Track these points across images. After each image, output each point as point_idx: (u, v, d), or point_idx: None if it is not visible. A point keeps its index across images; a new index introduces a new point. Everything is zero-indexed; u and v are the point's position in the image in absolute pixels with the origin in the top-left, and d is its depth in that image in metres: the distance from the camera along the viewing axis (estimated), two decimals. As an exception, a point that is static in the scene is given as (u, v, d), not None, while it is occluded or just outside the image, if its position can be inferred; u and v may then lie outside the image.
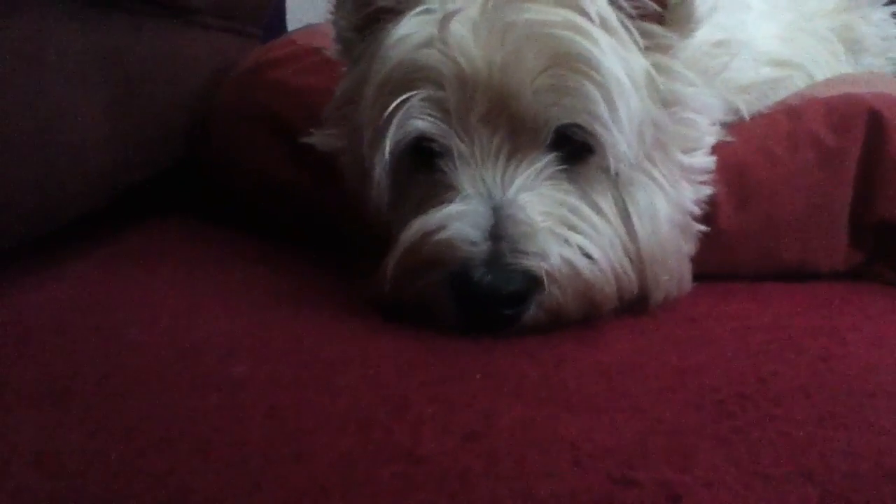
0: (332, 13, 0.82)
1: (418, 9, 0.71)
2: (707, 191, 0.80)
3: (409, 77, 0.69)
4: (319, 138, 0.84)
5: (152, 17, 1.01)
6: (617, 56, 0.69)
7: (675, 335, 0.69)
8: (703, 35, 0.78)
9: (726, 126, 0.85)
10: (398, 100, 0.68)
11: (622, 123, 0.68)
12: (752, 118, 0.87)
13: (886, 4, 1.23)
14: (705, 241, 0.80)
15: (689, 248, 0.79)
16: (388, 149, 0.70)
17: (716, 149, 0.81)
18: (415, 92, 0.68)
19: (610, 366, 0.62)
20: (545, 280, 0.66)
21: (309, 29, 1.19)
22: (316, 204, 0.96)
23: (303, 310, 0.75)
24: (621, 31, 0.71)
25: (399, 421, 0.53)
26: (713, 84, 0.81)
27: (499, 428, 0.52)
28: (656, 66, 0.73)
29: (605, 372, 0.61)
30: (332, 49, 0.86)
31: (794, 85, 0.95)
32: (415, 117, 0.69)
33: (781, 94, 0.92)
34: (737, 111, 0.87)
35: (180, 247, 0.98)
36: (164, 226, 1.05)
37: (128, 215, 1.02)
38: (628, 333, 0.69)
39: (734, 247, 0.83)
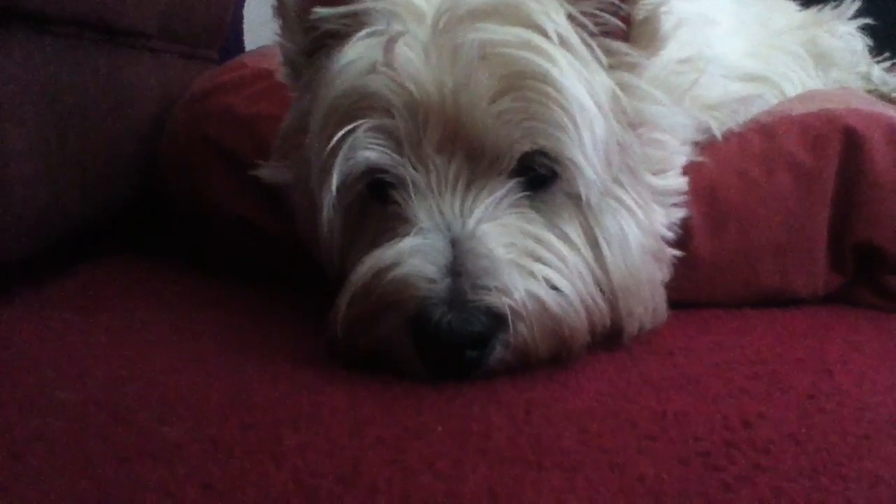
0: (279, 36, 0.77)
1: (364, 32, 0.67)
2: (680, 214, 0.76)
3: (356, 105, 0.65)
4: (268, 171, 0.78)
5: (93, 43, 0.96)
6: (578, 75, 0.65)
7: (653, 373, 0.64)
8: (669, 52, 0.74)
9: (698, 146, 0.81)
10: (344, 130, 0.64)
11: (587, 147, 0.64)
12: (725, 137, 0.83)
13: (851, 19, 1.22)
14: (680, 268, 0.76)
15: (663, 275, 0.74)
16: (335, 183, 0.65)
17: (688, 170, 0.77)
18: (362, 121, 0.64)
19: (584, 413, 0.57)
20: (510, 317, 0.61)
21: (262, 51, 1.13)
22: (274, 238, 0.90)
23: (253, 358, 0.69)
24: (582, 49, 0.67)
25: (350, 490, 0.47)
26: (681, 102, 0.77)
27: (462, 495, 0.46)
28: (621, 85, 0.69)
29: (579, 420, 0.56)
30: (280, 73, 0.81)
31: (765, 102, 0.92)
32: (363, 148, 0.64)
33: (753, 111, 0.88)
34: (707, 129, 0.83)
35: (127, 289, 0.92)
36: (114, 265, 0.99)
37: (83, 253, 0.96)
38: (603, 372, 0.65)
39: (710, 272, 0.79)
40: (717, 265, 0.79)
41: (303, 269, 0.82)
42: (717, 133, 0.83)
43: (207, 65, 1.28)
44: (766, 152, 0.80)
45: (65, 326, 0.78)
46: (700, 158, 0.79)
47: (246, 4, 1.74)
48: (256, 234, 0.92)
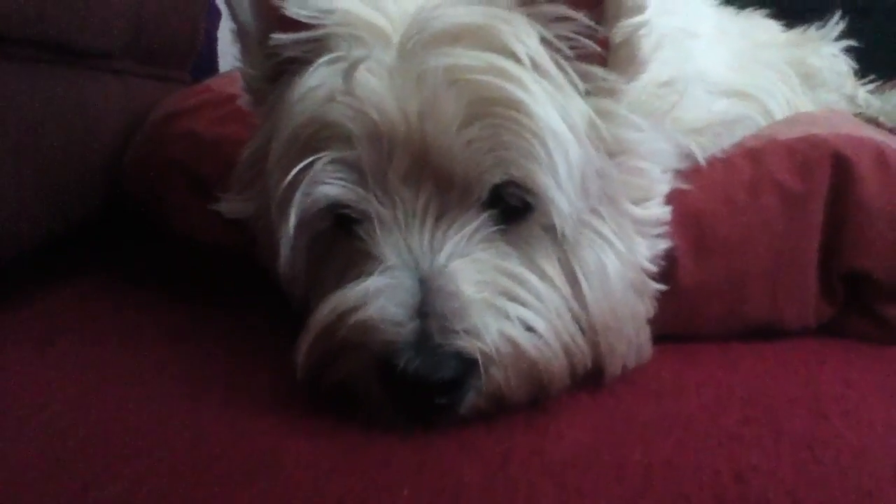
0: (239, 61, 0.73)
1: (326, 57, 0.63)
2: (663, 244, 0.72)
3: (316, 136, 0.61)
4: (228, 205, 0.74)
5: (50, 65, 0.92)
6: (551, 101, 0.61)
7: (638, 416, 0.60)
8: (650, 74, 0.70)
9: (681, 173, 0.77)
10: (302, 164, 0.60)
11: (561, 176, 0.60)
12: (710, 163, 0.79)
13: (835, 40, 1.20)
14: (664, 300, 0.72)
15: (647, 309, 0.70)
16: (293, 220, 0.61)
17: (671, 198, 0.74)
18: (322, 154, 0.60)
19: (565, 464, 0.53)
20: (482, 362, 0.57)
21: (230, 74, 1.10)
22: (242, 264, 0.86)
23: (211, 399, 0.65)
24: (557, 74, 0.63)
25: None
26: (662, 127, 0.74)
27: (429, 566, 0.42)
28: (599, 111, 0.65)
29: (559, 473, 0.52)
30: (242, 99, 0.77)
31: (751, 123, 0.89)
32: (323, 182, 0.60)
33: (738, 134, 0.85)
34: (690, 155, 0.79)
35: (85, 318, 0.86)
36: (75, 290, 0.93)
37: (42, 275, 0.92)
38: (585, 417, 0.60)
39: (696, 305, 0.75)
40: (703, 295, 0.75)
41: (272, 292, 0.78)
42: (701, 159, 0.79)
43: (177, 86, 1.24)
44: (752, 178, 0.76)
45: (12, 361, 0.73)
46: (685, 186, 0.76)
47: (220, 26, 1.71)
48: (224, 257, 0.87)
